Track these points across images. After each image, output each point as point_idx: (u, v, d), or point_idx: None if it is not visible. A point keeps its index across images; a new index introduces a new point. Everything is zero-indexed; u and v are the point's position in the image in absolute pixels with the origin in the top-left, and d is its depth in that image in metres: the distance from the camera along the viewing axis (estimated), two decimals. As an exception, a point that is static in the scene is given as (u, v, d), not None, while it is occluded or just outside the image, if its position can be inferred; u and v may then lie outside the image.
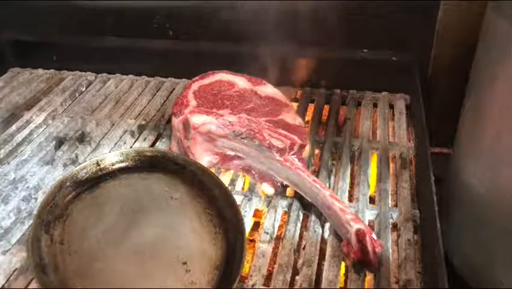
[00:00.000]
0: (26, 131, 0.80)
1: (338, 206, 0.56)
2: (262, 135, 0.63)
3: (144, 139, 0.78)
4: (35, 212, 0.64)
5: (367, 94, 0.87)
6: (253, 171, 0.67)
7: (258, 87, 0.76)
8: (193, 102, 0.71)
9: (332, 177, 0.69)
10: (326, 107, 0.86)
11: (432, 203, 0.60)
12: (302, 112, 0.83)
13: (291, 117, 0.69)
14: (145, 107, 0.86)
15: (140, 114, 0.84)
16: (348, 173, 0.69)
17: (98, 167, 0.67)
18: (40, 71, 0.99)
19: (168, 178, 0.66)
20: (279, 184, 0.65)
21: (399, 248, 0.58)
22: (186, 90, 0.74)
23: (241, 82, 0.77)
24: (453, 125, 0.77)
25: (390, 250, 0.57)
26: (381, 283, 0.53)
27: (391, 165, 0.71)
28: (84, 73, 0.97)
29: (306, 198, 0.62)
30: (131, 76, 0.96)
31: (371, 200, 0.65)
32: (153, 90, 0.92)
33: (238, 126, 0.65)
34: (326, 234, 0.59)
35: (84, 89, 0.93)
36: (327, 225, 0.60)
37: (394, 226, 0.61)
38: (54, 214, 0.61)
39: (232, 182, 0.68)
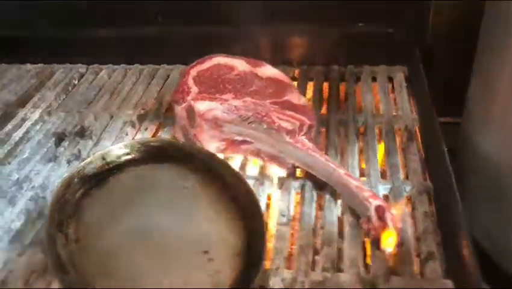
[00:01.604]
0: (22, 129, 0.78)
1: (355, 184, 0.56)
2: (270, 118, 0.62)
3: (146, 130, 0.77)
4: (45, 211, 0.63)
5: (366, 69, 0.87)
6: (262, 155, 0.66)
7: (258, 69, 0.75)
8: (194, 89, 0.70)
9: (339, 155, 0.69)
10: (325, 84, 0.85)
11: (447, 172, 0.60)
12: (301, 91, 0.82)
13: (296, 97, 0.68)
14: (142, 96, 0.85)
15: (137, 103, 0.83)
16: (356, 149, 0.69)
17: (104, 161, 0.65)
18: (28, 66, 0.96)
19: (177, 167, 0.65)
20: (290, 166, 0.64)
21: (416, 221, 0.58)
22: (185, 77, 0.72)
23: (240, 64, 0.75)
24: (457, 93, 0.77)
25: (408, 224, 0.57)
26: (404, 257, 0.53)
27: (397, 138, 0.71)
28: (74, 65, 0.95)
29: (318, 178, 0.62)
30: (123, 65, 0.93)
31: (383, 175, 0.65)
32: (147, 78, 0.90)
33: (244, 110, 0.64)
34: (342, 212, 0.59)
35: (76, 82, 0.91)
36: (342, 203, 0.60)
37: (408, 199, 0.62)
38: (66, 212, 0.60)
39: (242, 166, 0.67)
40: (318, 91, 0.82)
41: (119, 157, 0.66)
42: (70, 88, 0.89)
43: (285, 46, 0.91)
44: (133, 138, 0.76)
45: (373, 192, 0.56)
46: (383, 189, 0.62)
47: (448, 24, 0.82)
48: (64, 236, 0.57)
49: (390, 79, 0.84)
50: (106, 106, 0.82)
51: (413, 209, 0.60)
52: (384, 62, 0.87)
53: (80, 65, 0.94)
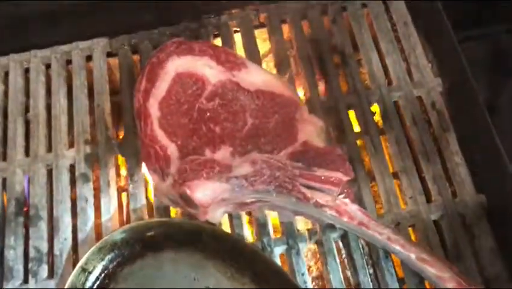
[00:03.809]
0: None
1: (433, 272, 0.46)
2: (300, 192, 0.47)
3: (108, 184, 0.56)
4: None
5: (352, -4, 0.65)
6: (285, 211, 0.52)
7: (237, 74, 0.53)
8: (171, 148, 0.50)
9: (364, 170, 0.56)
10: (305, 24, 0.64)
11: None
12: (277, 44, 0.62)
13: (312, 129, 0.51)
14: (71, 113, 0.61)
15: (70, 130, 0.60)
16: (385, 157, 0.56)
17: (88, 274, 0.50)
18: None
19: (185, 256, 0.51)
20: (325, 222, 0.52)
21: (482, 261, 0.51)
22: (146, 119, 0.51)
23: (208, 69, 0.54)
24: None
25: (474, 264, 0.51)
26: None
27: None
28: None
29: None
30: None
31: (426, 192, 0.55)
32: (60, 71, 0.63)
33: (260, 183, 0.47)
34: (406, 276, 0.51)
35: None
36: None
37: (463, 223, 0.53)
38: None
39: (262, 227, 0.53)
40: (303, 50, 0.62)
41: (104, 263, 0.51)
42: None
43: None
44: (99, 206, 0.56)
45: (457, 277, 0.46)
46: (434, 216, 0.53)
47: None
48: None
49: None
50: (32, 151, 0.58)
51: (473, 237, 0.53)
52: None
53: None
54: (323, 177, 0.47)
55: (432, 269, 0.46)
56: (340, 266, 0.51)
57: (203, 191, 0.47)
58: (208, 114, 0.51)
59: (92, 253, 0.50)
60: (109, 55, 0.64)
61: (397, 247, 0.47)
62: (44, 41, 0.63)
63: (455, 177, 0.55)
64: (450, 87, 0.58)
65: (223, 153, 0.50)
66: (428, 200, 0.54)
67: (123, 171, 0.61)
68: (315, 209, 0.48)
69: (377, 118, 0.59)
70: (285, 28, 0.65)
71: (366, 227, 0.47)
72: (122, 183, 0.60)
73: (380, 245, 0.49)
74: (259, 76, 0.53)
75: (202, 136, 0.50)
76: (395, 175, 0.56)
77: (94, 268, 0.51)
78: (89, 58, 0.64)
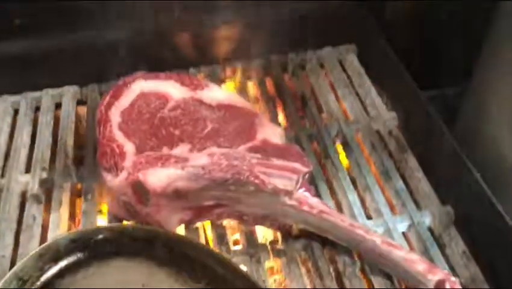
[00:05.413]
0: None
1: (401, 255, 0.43)
2: (258, 178, 0.45)
3: (61, 204, 0.54)
4: None
5: (309, 55, 0.71)
6: (245, 217, 0.50)
7: (200, 92, 0.56)
8: (128, 146, 0.49)
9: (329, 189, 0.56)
10: (269, 81, 0.69)
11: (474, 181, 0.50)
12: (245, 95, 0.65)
13: (271, 132, 0.52)
14: (32, 146, 0.60)
15: (30, 160, 0.59)
16: (347, 176, 0.56)
17: (23, 283, 0.44)
18: None
19: (135, 265, 0.47)
20: (287, 226, 0.49)
21: (456, 266, 0.48)
22: (105, 124, 0.51)
23: (172, 89, 0.56)
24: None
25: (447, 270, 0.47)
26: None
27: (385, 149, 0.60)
28: None
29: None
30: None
31: (391, 207, 0.53)
32: (28, 113, 0.64)
33: (217, 171, 0.46)
34: (374, 280, 0.47)
35: None
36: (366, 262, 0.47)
37: (432, 234, 0.51)
38: None
39: (221, 238, 0.50)
40: (265, 95, 0.66)
41: (42, 271, 0.45)
42: None
43: (207, 39, 0.71)
44: (47, 224, 0.53)
45: (427, 261, 0.43)
46: (401, 227, 0.51)
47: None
48: None
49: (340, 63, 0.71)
50: (-16, 177, 0.57)
51: (443, 246, 0.50)
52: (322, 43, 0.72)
53: None
54: (282, 166, 0.46)
55: (400, 252, 0.43)
56: (304, 275, 0.47)
57: (158, 176, 0.45)
58: (169, 121, 0.52)
59: (30, 259, 0.46)
60: (79, 103, 0.67)
61: (361, 232, 0.44)
62: (15, 87, 0.66)
63: (419, 192, 0.54)
64: (406, 118, 0.61)
65: (181, 150, 0.49)
66: (393, 214, 0.53)
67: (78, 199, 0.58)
68: (275, 200, 0.46)
69: (337, 146, 0.60)
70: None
71: (328, 214, 0.45)
72: (76, 204, 0.57)
73: (343, 235, 0.45)
74: (221, 93, 0.56)
75: (161, 138, 0.50)
76: (358, 193, 0.55)
77: (30, 277, 0.45)
78: (58, 106, 0.66)
